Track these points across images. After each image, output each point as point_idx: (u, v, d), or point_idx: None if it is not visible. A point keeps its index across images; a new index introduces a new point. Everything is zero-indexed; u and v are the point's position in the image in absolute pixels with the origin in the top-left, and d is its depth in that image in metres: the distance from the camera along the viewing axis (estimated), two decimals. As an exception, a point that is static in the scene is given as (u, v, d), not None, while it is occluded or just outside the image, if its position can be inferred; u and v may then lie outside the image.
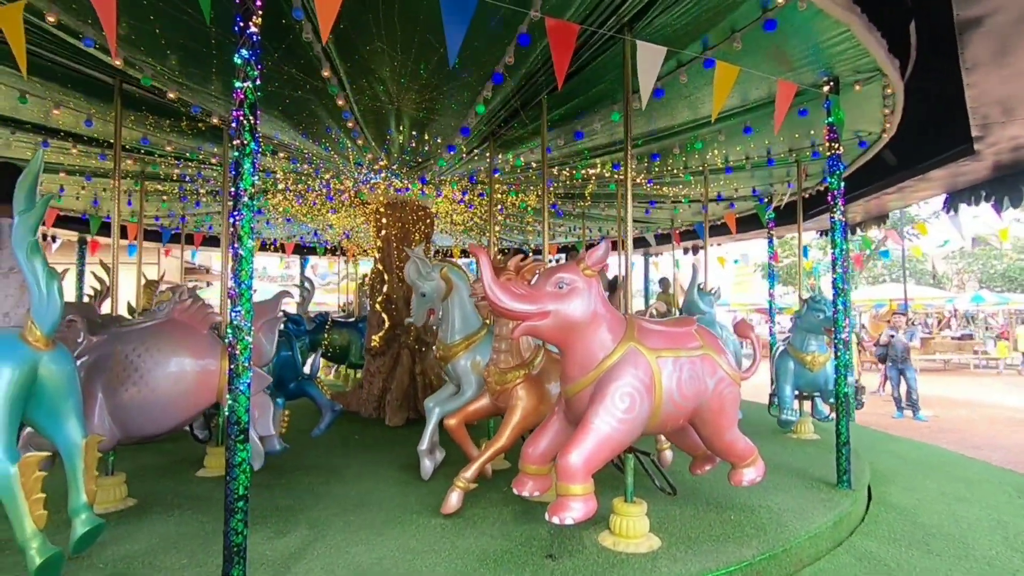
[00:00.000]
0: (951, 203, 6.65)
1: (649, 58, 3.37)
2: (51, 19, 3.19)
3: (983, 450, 7.91)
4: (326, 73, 3.74)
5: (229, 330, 2.43)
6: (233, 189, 2.47)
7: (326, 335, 8.93)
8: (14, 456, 2.48)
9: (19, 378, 2.53)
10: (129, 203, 7.75)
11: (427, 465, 4.40)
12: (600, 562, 2.99)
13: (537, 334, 2.92)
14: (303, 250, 12.53)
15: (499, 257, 4.04)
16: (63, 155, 5.53)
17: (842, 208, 4.34)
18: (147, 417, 3.59)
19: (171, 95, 4.17)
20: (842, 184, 4.37)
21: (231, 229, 2.48)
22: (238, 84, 2.48)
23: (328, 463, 4.95)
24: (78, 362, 3.43)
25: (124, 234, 9.25)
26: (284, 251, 12.27)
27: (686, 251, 12.05)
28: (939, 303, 25.98)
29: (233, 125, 2.49)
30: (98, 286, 8.40)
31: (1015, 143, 5.09)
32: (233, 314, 2.44)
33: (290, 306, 10.01)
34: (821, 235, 10.61)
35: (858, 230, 8.98)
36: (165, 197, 7.51)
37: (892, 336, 11.06)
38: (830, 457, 4.58)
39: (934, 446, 6.97)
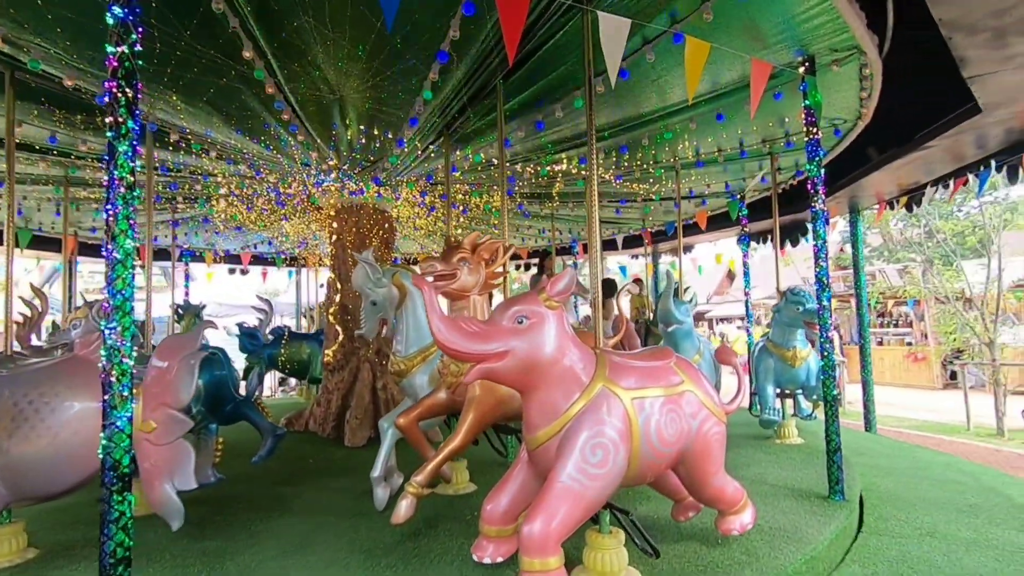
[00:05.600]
0: None
1: (613, 32, 3.01)
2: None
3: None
4: (248, 54, 3.28)
5: (103, 352, 1.96)
6: (107, 177, 2.01)
7: (283, 349, 8.41)
8: None
9: None
10: (57, 214, 7.10)
11: (380, 495, 3.93)
12: (572, 606, 2.58)
13: (494, 377, 2.49)
14: (261, 262, 11.91)
15: (452, 238, 3.64)
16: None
17: (823, 197, 4.04)
18: (42, 475, 3.04)
19: (68, 82, 3.65)
20: (822, 171, 4.08)
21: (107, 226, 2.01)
22: (110, 49, 2.02)
23: (274, 493, 4.45)
24: None
25: (59, 247, 8.56)
26: (240, 262, 11.61)
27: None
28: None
29: (106, 99, 2.03)
30: (28, 312, 7.67)
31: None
32: (108, 332, 1.96)
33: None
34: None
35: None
36: (95, 205, 6.88)
37: None
38: (818, 463, 4.27)
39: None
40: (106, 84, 2.02)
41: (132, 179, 2.03)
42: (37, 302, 7.84)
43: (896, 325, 18.56)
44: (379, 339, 6.10)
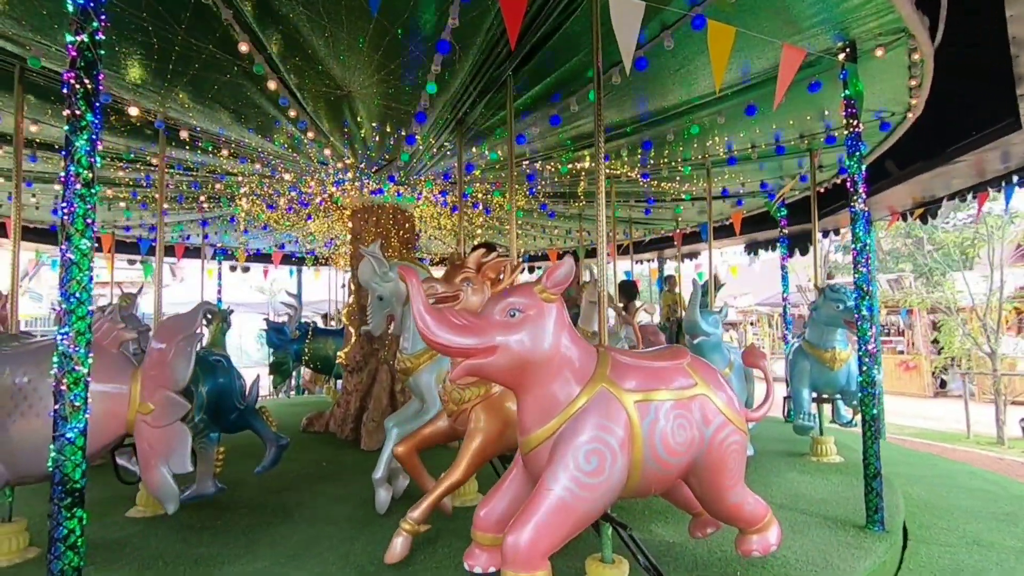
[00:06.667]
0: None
1: (625, 16, 2.76)
2: None
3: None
4: (244, 47, 3.17)
5: (55, 359, 1.85)
6: (63, 174, 1.90)
7: (307, 345, 8.41)
8: None
9: None
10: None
11: (382, 497, 3.81)
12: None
13: (483, 374, 2.30)
14: (291, 261, 12.03)
15: (456, 253, 3.45)
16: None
17: (863, 196, 3.67)
18: (41, 455, 3.01)
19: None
20: (863, 168, 3.71)
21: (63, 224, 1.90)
22: (70, 38, 1.91)
23: (280, 499, 4.35)
24: None
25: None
26: (271, 261, 11.76)
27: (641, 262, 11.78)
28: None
29: (64, 91, 1.92)
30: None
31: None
32: (60, 338, 1.85)
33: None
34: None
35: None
36: (124, 204, 7.00)
37: None
38: (857, 486, 3.90)
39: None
40: (64, 75, 1.91)
41: (90, 175, 1.91)
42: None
43: (888, 334, 18.50)
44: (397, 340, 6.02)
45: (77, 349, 1.85)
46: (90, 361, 2.98)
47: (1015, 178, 5.68)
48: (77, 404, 1.84)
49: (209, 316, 8.44)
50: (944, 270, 14.13)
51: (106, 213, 7.47)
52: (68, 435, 1.83)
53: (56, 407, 1.84)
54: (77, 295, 1.87)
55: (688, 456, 2.47)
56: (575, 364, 2.35)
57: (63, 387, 1.83)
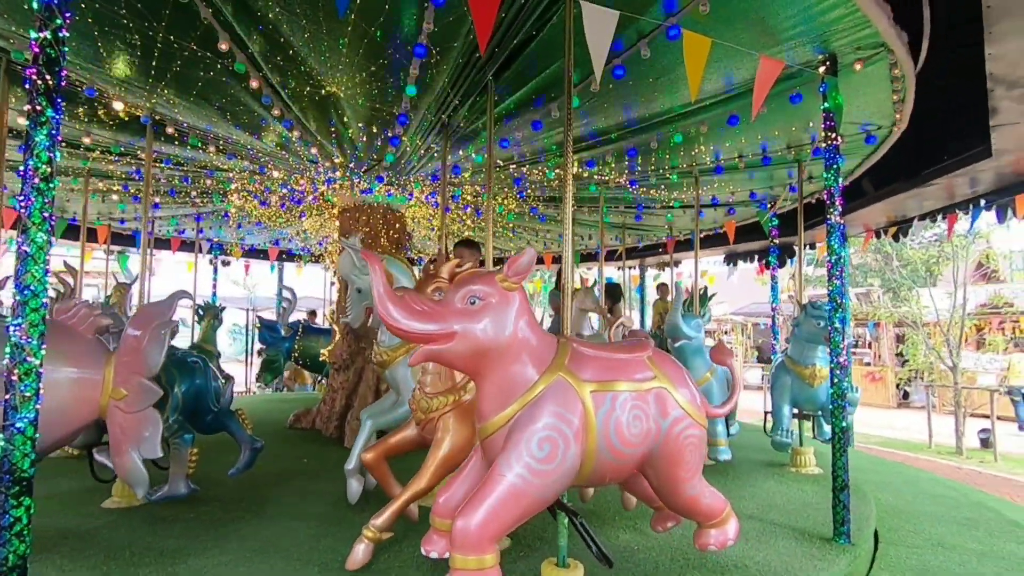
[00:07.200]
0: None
1: (598, 25, 2.79)
2: None
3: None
4: (224, 46, 3.21)
5: (8, 350, 1.88)
6: (22, 168, 1.93)
7: (298, 343, 8.45)
8: None
9: None
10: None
11: (354, 487, 3.84)
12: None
13: (442, 360, 2.34)
14: (286, 257, 12.07)
15: (430, 265, 3.47)
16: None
17: (839, 208, 3.69)
18: None
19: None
20: (840, 181, 3.73)
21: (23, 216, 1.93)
22: (33, 35, 1.95)
23: (255, 494, 4.37)
24: None
25: (93, 237, 8.84)
26: (267, 257, 11.81)
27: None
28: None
29: (26, 86, 1.95)
30: (61, 288, 7.96)
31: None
32: (14, 329, 1.88)
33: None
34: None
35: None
36: (116, 197, 7.06)
37: None
38: (831, 498, 3.92)
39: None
40: (27, 71, 1.95)
41: (49, 170, 1.94)
42: (69, 279, 8.10)
43: (856, 346, 18.99)
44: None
45: (30, 340, 1.88)
46: (44, 352, 3.04)
47: (982, 202, 6.02)
48: (28, 394, 1.87)
49: (201, 312, 8.50)
50: (911, 286, 14.70)
51: (100, 205, 7.53)
52: (18, 425, 1.85)
53: (6, 397, 1.87)
54: (32, 287, 1.90)
55: (643, 447, 2.48)
56: (534, 352, 2.37)
57: (14, 377, 1.86)
